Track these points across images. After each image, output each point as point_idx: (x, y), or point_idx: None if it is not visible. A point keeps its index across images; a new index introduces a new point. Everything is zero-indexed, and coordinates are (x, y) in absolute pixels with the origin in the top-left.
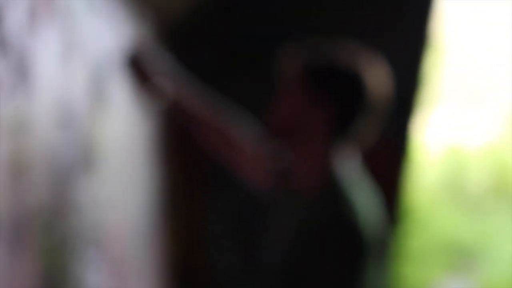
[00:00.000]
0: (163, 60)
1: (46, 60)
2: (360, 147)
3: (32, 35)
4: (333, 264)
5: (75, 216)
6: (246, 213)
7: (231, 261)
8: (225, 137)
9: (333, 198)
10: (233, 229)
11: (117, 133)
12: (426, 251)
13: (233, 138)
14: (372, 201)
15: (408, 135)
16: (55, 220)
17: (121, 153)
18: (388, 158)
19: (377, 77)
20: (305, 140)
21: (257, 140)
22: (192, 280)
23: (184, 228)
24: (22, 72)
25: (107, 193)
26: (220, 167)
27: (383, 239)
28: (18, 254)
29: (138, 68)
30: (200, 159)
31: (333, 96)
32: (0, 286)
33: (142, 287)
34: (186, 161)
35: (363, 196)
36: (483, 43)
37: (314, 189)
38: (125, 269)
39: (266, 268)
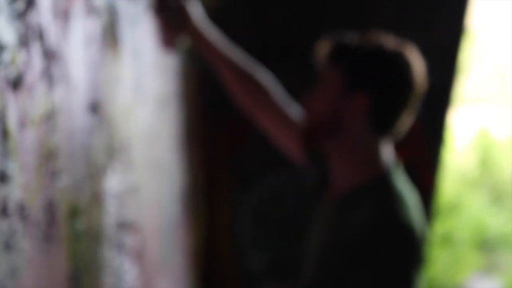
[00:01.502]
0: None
1: (76, 46)
2: (396, 137)
3: (63, 22)
4: (384, 265)
5: (104, 203)
6: (273, 211)
7: (256, 259)
8: (253, 90)
9: (384, 194)
10: (259, 227)
11: (145, 120)
12: (455, 239)
13: (262, 92)
14: (414, 194)
15: (444, 124)
16: (85, 206)
17: (149, 141)
18: (423, 147)
19: (417, 65)
20: (341, 133)
21: (285, 99)
22: (216, 276)
23: (209, 224)
24: (52, 57)
25: (134, 181)
26: (247, 164)
27: (426, 236)
28: (49, 240)
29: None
30: (226, 155)
31: (372, 83)
32: (33, 271)
33: (166, 279)
34: (211, 155)
35: (407, 190)
36: None
37: (358, 186)
38: (150, 259)
39: (297, 269)
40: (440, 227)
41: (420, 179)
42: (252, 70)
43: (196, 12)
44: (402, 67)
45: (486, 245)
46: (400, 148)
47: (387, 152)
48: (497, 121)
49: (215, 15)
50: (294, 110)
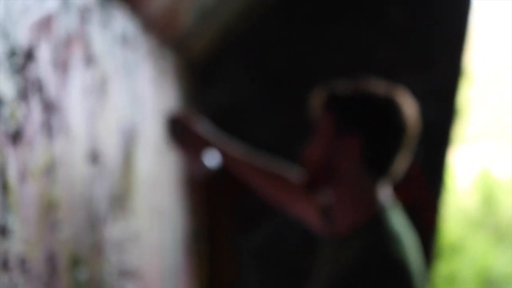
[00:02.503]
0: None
1: (75, 97)
2: (393, 178)
3: (62, 73)
4: None
5: (105, 251)
6: (276, 254)
7: None
8: (275, 181)
9: (378, 234)
10: (262, 270)
11: (145, 167)
12: (459, 280)
13: (282, 181)
14: (411, 234)
15: (445, 164)
16: (86, 256)
17: (149, 188)
18: (423, 188)
19: (407, 107)
20: (336, 177)
21: (300, 181)
22: None
23: (211, 267)
24: (52, 109)
25: (136, 228)
26: (249, 207)
27: (425, 273)
28: None
29: (179, 130)
30: (228, 197)
31: (362, 126)
32: None
33: None
34: (213, 200)
35: (404, 230)
36: None
37: (356, 227)
38: None
39: None
40: (443, 268)
41: (421, 220)
42: (277, 168)
43: (212, 132)
44: (392, 110)
45: (490, 285)
46: (400, 189)
47: (384, 193)
48: (499, 160)
49: (205, 64)
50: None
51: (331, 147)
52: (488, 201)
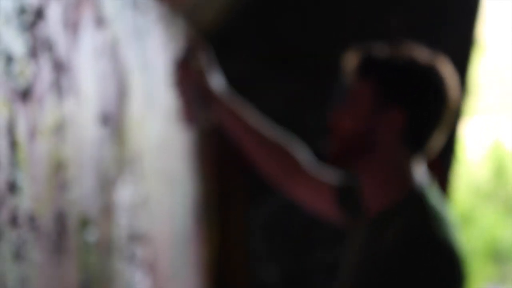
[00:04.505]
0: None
1: (85, 58)
2: (430, 154)
3: (72, 33)
4: (423, 286)
5: (115, 214)
6: (285, 223)
7: (268, 271)
8: (280, 155)
9: (420, 212)
10: (271, 240)
11: (157, 132)
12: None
13: (289, 157)
14: (452, 213)
15: (455, 137)
16: (95, 218)
17: (160, 153)
18: (437, 161)
19: (450, 78)
20: (374, 152)
21: (315, 163)
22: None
23: (221, 236)
24: (61, 69)
25: (146, 193)
26: (259, 176)
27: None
28: (60, 251)
29: (186, 65)
30: (238, 167)
31: (406, 98)
32: (43, 282)
33: None
34: (223, 167)
35: (444, 208)
36: None
37: (390, 207)
38: (162, 271)
39: (309, 281)
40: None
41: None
42: (280, 140)
43: (219, 83)
44: (436, 80)
45: (499, 256)
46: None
47: (421, 170)
48: (511, 133)
49: (216, 35)
50: (325, 173)
51: (368, 118)
52: (499, 173)
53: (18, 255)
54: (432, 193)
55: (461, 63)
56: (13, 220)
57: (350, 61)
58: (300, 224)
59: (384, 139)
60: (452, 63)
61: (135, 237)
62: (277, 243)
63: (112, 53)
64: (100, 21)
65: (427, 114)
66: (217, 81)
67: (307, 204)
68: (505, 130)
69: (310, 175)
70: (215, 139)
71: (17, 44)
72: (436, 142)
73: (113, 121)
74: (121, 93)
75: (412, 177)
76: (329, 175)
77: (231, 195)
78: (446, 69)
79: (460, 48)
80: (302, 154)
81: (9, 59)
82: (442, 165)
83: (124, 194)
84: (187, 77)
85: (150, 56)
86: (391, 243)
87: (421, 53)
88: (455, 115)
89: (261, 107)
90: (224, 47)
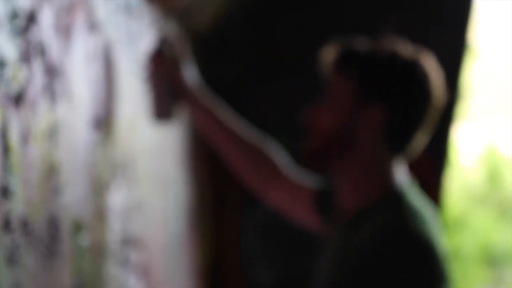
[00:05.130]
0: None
1: (77, 61)
2: (411, 154)
3: (65, 38)
4: (402, 284)
5: (108, 218)
6: (280, 226)
7: (264, 274)
8: (255, 157)
9: (398, 210)
10: (267, 243)
11: (149, 136)
12: (461, 255)
13: (267, 165)
14: (432, 210)
15: (448, 143)
16: (88, 222)
17: (153, 157)
18: (429, 165)
19: (434, 75)
20: (353, 149)
21: (293, 165)
22: None
23: (216, 239)
24: (54, 73)
25: (139, 196)
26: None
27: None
28: (53, 256)
29: (159, 58)
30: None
31: (388, 94)
32: (36, 287)
33: None
34: (218, 170)
35: (424, 206)
36: None
37: (369, 204)
38: (156, 276)
39: (305, 284)
40: (447, 243)
41: (425, 195)
42: (256, 141)
43: (192, 78)
44: (419, 77)
45: (493, 260)
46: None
47: (401, 169)
48: (505, 137)
49: (210, 35)
50: (304, 176)
51: (349, 114)
52: (493, 177)
53: (12, 260)
54: (412, 193)
55: (454, 67)
56: (6, 225)
57: (329, 54)
58: (295, 227)
59: (363, 137)
60: (444, 66)
61: (129, 241)
62: (272, 246)
63: (105, 57)
64: (92, 25)
65: (409, 111)
66: (191, 76)
67: (284, 209)
68: (499, 134)
69: (287, 178)
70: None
71: (9, 48)
72: (419, 141)
73: (105, 125)
74: (113, 97)
75: (391, 176)
76: (308, 179)
77: (225, 198)
78: (430, 65)
79: (453, 52)
80: (280, 156)
81: (1, 64)
82: (435, 168)
83: (117, 198)
84: (159, 70)
85: (142, 60)
86: (368, 242)
87: (403, 48)
88: (446, 116)
89: (256, 109)
90: (218, 50)
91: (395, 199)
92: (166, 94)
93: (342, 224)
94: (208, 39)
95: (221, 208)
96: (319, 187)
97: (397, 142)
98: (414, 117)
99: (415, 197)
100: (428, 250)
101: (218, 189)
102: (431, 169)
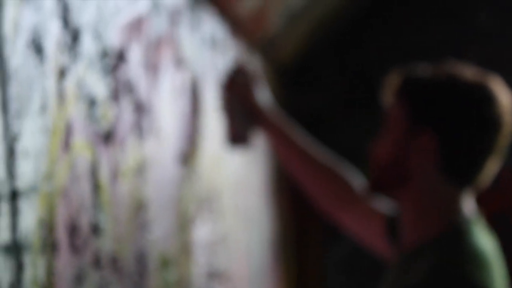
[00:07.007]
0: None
1: (164, 97)
2: (480, 185)
3: (152, 75)
4: None
5: (194, 252)
6: (363, 260)
7: None
8: (334, 187)
9: (454, 251)
10: (349, 277)
11: (234, 170)
12: None
13: (343, 188)
14: (498, 255)
15: None
16: (175, 257)
17: (237, 191)
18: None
19: (502, 99)
20: (409, 181)
21: (368, 194)
22: None
23: (298, 272)
24: (142, 110)
25: (224, 230)
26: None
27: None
28: None
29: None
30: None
31: (439, 120)
32: None
33: None
34: (300, 204)
35: (487, 248)
36: None
37: (428, 240)
38: None
39: None
40: None
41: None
42: (333, 164)
43: (268, 102)
44: (481, 101)
45: None
46: (486, 197)
47: (466, 203)
48: None
49: (294, 66)
50: (379, 202)
51: (404, 143)
52: None
53: None
54: (477, 231)
55: None
56: (96, 262)
57: (391, 83)
58: (378, 261)
59: (417, 168)
60: None
61: (214, 275)
62: (355, 280)
63: (191, 93)
64: (179, 61)
65: (469, 140)
66: (266, 101)
67: (358, 235)
68: None
69: (363, 203)
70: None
71: (99, 87)
72: (488, 173)
73: (191, 159)
74: (199, 131)
75: (453, 212)
76: (383, 205)
77: (308, 232)
78: (497, 89)
79: None
80: (357, 181)
81: (92, 103)
82: None
83: (203, 232)
84: (233, 95)
85: (218, 88)
86: (420, 283)
87: (467, 72)
88: None
89: (337, 140)
90: (301, 80)
91: (454, 239)
92: (241, 119)
93: (399, 257)
94: (293, 70)
95: (304, 242)
96: (392, 214)
97: (460, 174)
98: (476, 145)
99: (480, 236)
100: None
101: (300, 223)
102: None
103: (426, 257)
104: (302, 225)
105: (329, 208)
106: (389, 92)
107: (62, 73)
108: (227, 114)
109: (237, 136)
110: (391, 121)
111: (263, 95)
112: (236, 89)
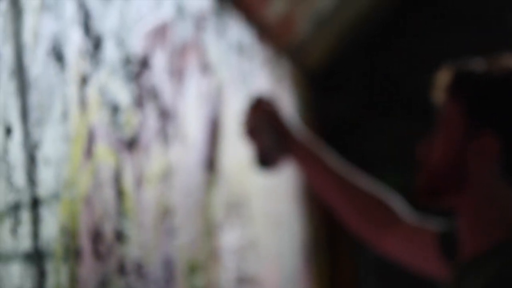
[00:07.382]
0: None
1: (190, 104)
2: None
3: (177, 81)
4: None
5: (223, 257)
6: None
7: None
8: (368, 211)
9: (508, 260)
10: (382, 281)
11: (263, 176)
12: None
13: (380, 211)
14: None
15: None
16: (203, 263)
17: (267, 195)
18: None
19: None
20: (467, 185)
21: (410, 208)
22: None
23: (330, 277)
24: (167, 116)
25: (253, 235)
26: None
27: None
28: None
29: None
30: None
31: (501, 120)
32: None
33: None
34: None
35: None
36: None
37: (489, 249)
38: None
39: None
40: None
41: None
42: (367, 185)
43: (296, 125)
44: None
45: None
46: None
47: None
48: None
49: (323, 70)
50: (423, 220)
51: (460, 145)
52: None
53: None
54: None
55: None
56: (121, 268)
57: (442, 80)
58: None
59: (476, 171)
60: None
61: (244, 280)
62: (387, 282)
63: (217, 98)
64: (205, 67)
65: None
66: (294, 124)
67: (404, 258)
68: None
69: (405, 224)
70: None
71: (123, 94)
72: None
73: (217, 165)
74: (225, 137)
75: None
76: (428, 221)
77: (340, 236)
78: None
79: None
80: (396, 200)
81: (115, 109)
82: None
83: (231, 237)
84: (261, 117)
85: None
86: None
87: None
88: None
89: (365, 145)
90: (329, 85)
91: (509, 247)
92: (270, 141)
93: (459, 268)
94: (321, 75)
95: (336, 245)
96: (442, 229)
97: None
98: None
99: None
100: None
101: (332, 227)
102: None
103: (488, 266)
104: (333, 229)
105: (369, 235)
106: (440, 88)
107: (84, 80)
108: (254, 136)
109: (266, 158)
110: (444, 121)
111: (291, 120)
112: (263, 112)
